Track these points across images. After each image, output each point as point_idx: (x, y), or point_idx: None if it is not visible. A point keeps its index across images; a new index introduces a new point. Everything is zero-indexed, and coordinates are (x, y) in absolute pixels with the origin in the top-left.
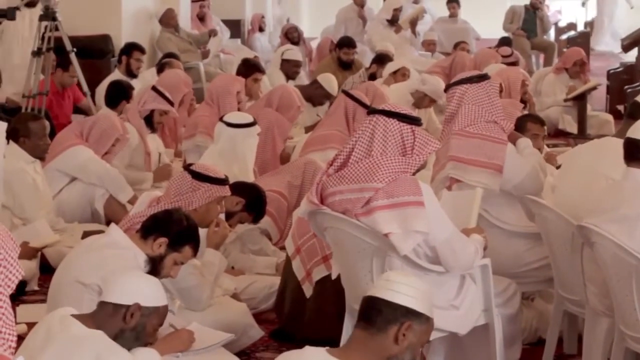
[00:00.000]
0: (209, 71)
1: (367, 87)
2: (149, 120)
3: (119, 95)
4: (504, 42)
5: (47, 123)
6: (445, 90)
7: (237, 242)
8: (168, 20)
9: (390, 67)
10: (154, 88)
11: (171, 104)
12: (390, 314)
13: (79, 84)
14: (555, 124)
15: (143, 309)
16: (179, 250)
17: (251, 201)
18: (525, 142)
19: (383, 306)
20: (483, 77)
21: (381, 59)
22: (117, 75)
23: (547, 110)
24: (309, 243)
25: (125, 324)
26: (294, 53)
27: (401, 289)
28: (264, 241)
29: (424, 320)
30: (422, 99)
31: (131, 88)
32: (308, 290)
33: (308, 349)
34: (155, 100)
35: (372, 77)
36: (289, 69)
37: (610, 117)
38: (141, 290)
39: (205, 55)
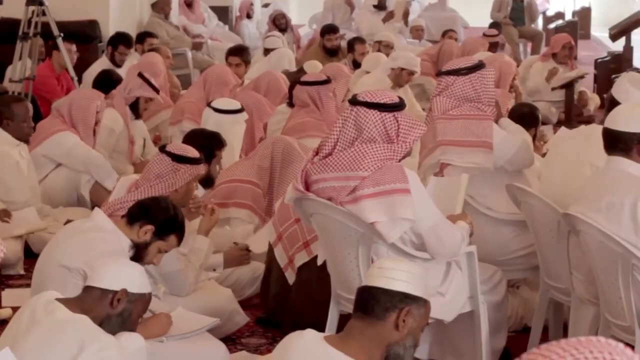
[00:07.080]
0: (197, 58)
1: (328, 67)
2: (134, 107)
3: (109, 85)
4: (493, 27)
5: (30, 106)
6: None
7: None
8: (163, 6)
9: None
10: (140, 75)
11: (157, 91)
12: (388, 301)
13: (69, 71)
14: (544, 119)
15: (130, 295)
16: (165, 238)
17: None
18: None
19: (379, 294)
20: (472, 69)
21: (351, 45)
22: (104, 61)
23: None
24: (290, 230)
25: (112, 309)
26: (274, 41)
27: (395, 275)
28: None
29: (422, 303)
30: (399, 76)
31: (121, 80)
32: (290, 277)
33: (309, 331)
34: (140, 87)
35: (356, 63)
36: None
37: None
38: (129, 276)
39: (197, 47)
